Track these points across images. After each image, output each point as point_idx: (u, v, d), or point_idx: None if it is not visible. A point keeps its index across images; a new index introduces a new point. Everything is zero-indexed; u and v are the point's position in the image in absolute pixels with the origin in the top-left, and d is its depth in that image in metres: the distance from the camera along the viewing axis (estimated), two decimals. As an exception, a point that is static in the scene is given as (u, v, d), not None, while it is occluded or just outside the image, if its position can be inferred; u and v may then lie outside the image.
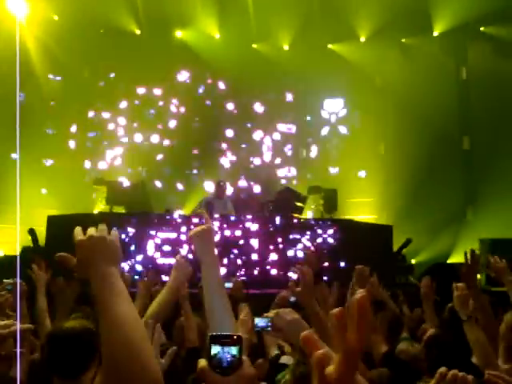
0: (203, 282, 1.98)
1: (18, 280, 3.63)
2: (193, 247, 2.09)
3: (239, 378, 1.34)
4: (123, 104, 14.00)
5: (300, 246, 9.56)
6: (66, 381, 2.31)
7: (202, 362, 1.33)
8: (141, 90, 14.04)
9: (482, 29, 13.25)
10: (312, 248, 9.10)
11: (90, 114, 13.90)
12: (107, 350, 1.36)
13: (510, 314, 3.16)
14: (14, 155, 12.53)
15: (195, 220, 9.30)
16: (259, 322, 2.24)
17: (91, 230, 1.56)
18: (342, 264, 9.35)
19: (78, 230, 1.57)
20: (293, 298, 4.24)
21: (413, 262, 11.76)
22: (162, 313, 2.91)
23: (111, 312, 1.38)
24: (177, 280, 3.07)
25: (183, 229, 9.46)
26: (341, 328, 0.85)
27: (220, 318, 1.88)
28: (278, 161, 14.13)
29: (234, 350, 1.34)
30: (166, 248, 9.34)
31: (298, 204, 10.82)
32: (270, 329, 2.15)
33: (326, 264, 9.00)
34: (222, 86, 14.17)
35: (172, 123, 14.01)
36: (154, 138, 13.88)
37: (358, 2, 12.96)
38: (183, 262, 3.15)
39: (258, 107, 14.23)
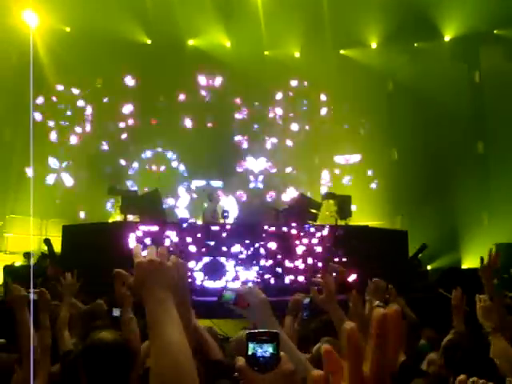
0: None
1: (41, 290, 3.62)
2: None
3: (278, 375, 1.32)
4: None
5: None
6: None
7: (240, 361, 1.33)
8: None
9: (495, 32, 13.16)
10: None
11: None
12: (155, 374, 1.39)
13: None
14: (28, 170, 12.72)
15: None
16: (227, 294, 2.24)
17: (151, 253, 1.54)
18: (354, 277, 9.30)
19: (137, 249, 1.55)
20: (306, 301, 4.23)
21: (428, 267, 11.67)
22: None
23: (163, 338, 1.41)
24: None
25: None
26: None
27: None
28: (289, 169, 14.17)
29: (271, 347, 1.33)
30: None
31: (313, 211, 10.79)
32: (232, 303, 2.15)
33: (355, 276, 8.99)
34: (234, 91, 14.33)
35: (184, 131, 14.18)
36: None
37: (368, 8, 12.93)
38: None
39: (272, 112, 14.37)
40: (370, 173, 13.89)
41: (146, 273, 1.50)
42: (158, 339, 1.41)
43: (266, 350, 1.33)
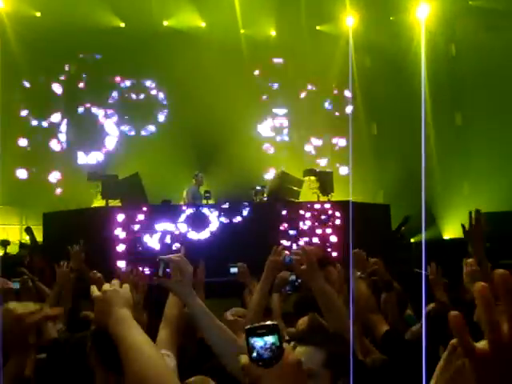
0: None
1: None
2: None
3: (283, 367, 1.29)
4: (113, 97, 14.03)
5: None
6: (116, 376, 2.24)
7: (244, 359, 1.29)
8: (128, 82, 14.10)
9: (470, 2, 13.16)
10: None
11: (80, 109, 13.88)
12: (128, 376, 1.51)
13: None
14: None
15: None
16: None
17: (106, 286, 1.75)
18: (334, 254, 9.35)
19: (93, 288, 1.77)
20: (292, 277, 4.23)
21: (412, 240, 11.78)
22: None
23: (128, 343, 1.55)
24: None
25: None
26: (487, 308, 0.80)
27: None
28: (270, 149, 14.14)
29: (272, 339, 1.30)
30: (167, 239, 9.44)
31: (294, 188, 10.79)
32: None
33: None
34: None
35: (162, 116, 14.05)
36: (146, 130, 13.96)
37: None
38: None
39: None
40: (350, 148, 13.92)
41: (103, 303, 1.69)
42: (125, 345, 1.54)
43: (269, 342, 1.30)
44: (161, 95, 14.32)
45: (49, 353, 3.43)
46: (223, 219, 9.73)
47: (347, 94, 14.26)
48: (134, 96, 14.22)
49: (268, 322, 1.33)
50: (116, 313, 1.65)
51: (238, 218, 9.79)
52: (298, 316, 3.76)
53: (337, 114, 14.43)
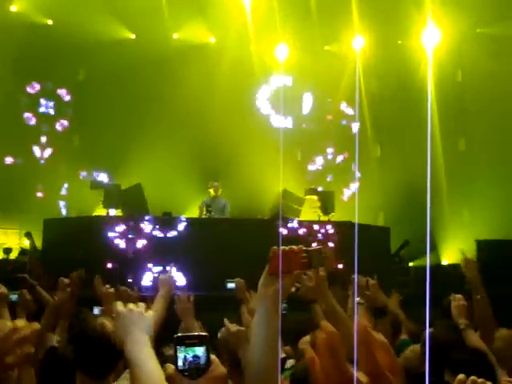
0: None
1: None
2: None
3: (209, 380, 1.27)
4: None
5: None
6: (93, 380, 2.41)
7: (170, 369, 1.27)
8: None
9: (478, 30, 13.23)
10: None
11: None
12: None
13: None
14: (7, 159, 12.60)
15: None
16: None
17: (132, 305, 1.73)
18: (340, 266, 9.34)
19: (119, 302, 1.76)
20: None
21: (410, 264, 11.76)
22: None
23: (140, 369, 1.53)
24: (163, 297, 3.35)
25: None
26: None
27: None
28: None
29: (201, 351, 1.26)
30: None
31: (295, 206, 10.82)
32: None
33: (341, 266, 8.98)
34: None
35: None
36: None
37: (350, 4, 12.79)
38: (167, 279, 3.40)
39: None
40: (353, 168, 13.91)
41: (126, 320, 1.67)
42: (137, 370, 1.52)
43: (197, 354, 1.26)
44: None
45: (43, 361, 3.43)
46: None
47: (352, 112, 14.19)
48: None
49: (199, 333, 1.31)
50: (136, 334, 1.62)
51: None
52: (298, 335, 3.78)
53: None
